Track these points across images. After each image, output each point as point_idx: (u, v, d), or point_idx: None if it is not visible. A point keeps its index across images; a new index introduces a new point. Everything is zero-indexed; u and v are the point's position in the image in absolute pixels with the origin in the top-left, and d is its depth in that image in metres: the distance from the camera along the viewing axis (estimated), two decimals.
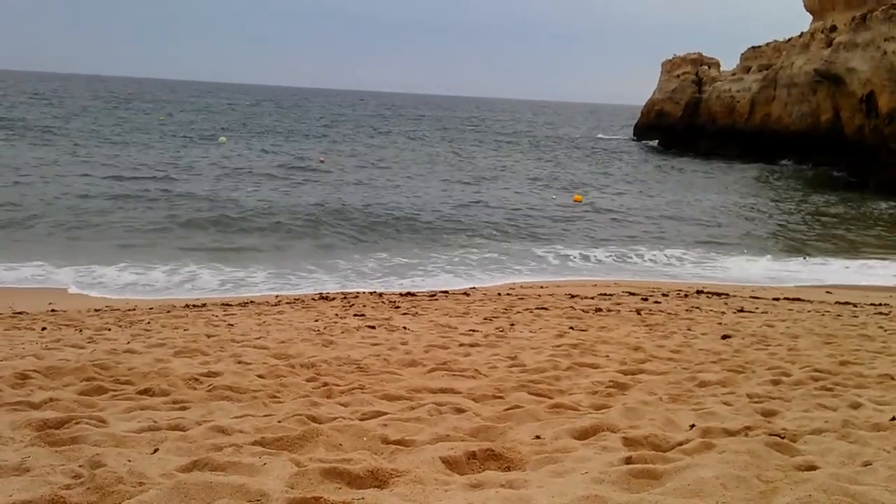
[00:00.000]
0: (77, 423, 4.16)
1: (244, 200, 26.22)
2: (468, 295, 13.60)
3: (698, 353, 7.44)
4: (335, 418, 4.52)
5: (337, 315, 10.29)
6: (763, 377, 6.16)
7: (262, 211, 24.27)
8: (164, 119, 69.64)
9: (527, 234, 23.74)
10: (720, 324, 9.83)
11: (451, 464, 3.60)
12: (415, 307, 11.30)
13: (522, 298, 12.79)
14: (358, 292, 14.08)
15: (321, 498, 3.02)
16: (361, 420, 4.50)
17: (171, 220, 22.10)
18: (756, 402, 5.15)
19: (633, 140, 77.90)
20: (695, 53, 69.77)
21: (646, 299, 12.78)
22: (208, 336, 8.10)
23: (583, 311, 11.02)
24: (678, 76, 68.01)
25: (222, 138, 51.40)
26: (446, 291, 14.39)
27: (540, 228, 24.74)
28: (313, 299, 12.82)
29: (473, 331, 8.78)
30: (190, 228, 21.30)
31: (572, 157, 56.56)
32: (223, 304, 12.16)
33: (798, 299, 13.75)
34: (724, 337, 8.55)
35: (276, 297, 13.69)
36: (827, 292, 15.77)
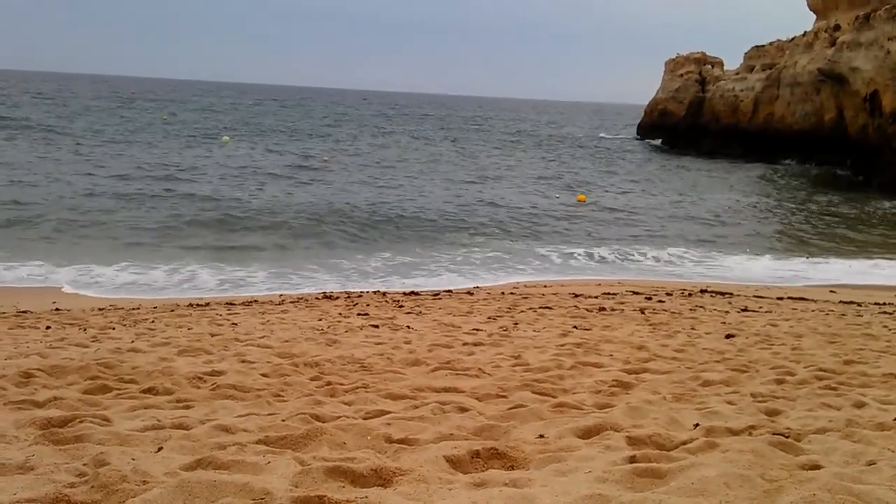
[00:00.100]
0: (81, 422, 4.16)
1: (248, 200, 26.26)
2: (472, 294, 13.61)
3: (702, 353, 7.43)
4: (339, 417, 4.53)
5: (341, 314, 10.29)
6: (767, 376, 6.14)
7: (266, 210, 24.29)
8: (168, 118, 69.73)
9: (530, 233, 23.74)
10: (724, 323, 9.82)
11: (454, 463, 3.60)
12: (418, 306, 11.30)
13: (526, 297, 12.79)
14: (362, 291, 14.09)
15: (325, 496, 3.01)
16: (365, 419, 4.50)
17: (174, 220, 22.14)
18: (760, 402, 5.14)
19: (637, 139, 77.83)
20: (698, 53, 69.65)
21: (649, 298, 12.77)
22: (212, 335, 8.11)
23: (586, 310, 11.01)
24: (682, 75, 67.92)
25: (226, 137, 51.44)
26: (450, 290, 14.39)
27: (543, 227, 24.74)
28: (317, 298, 12.83)
29: (477, 330, 8.78)
30: (193, 227, 21.32)
31: (576, 156, 56.55)
32: (227, 304, 12.17)
33: (802, 298, 13.73)
34: (728, 336, 8.53)
35: (280, 296, 13.71)
36: (831, 291, 15.75)
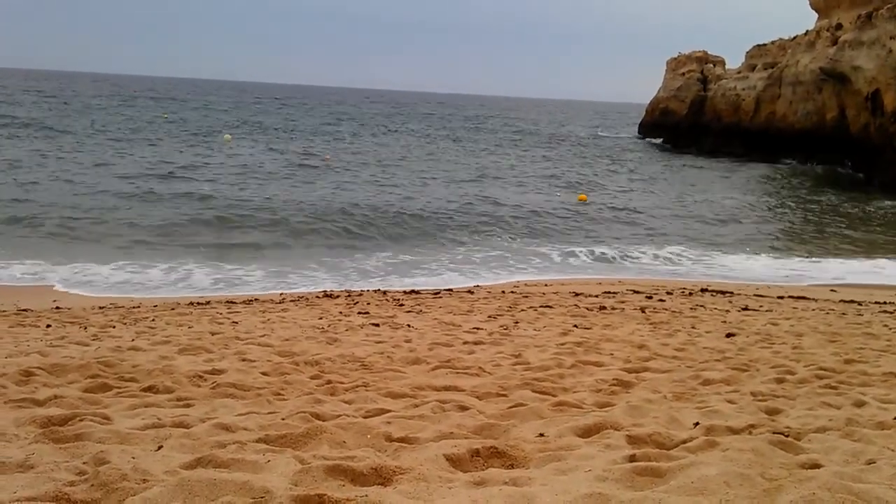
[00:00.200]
0: (81, 420, 4.17)
1: (249, 198, 26.25)
2: (472, 293, 13.61)
3: (702, 352, 7.43)
4: (339, 416, 4.53)
5: (341, 313, 10.29)
6: (767, 375, 6.14)
7: (267, 208, 24.27)
8: (169, 117, 69.73)
9: (531, 231, 23.72)
10: (724, 322, 9.81)
11: (454, 461, 3.60)
12: (419, 305, 11.30)
13: (527, 296, 12.78)
14: (362, 290, 14.09)
15: (325, 495, 3.02)
16: (365, 417, 4.51)
17: (175, 218, 22.13)
18: (760, 401, 5.14)
19: (638, 138, 77.79)
20: (700, 51, 69.59)
21: (650, 297, 12.76)
22: (212, 334, 8.11)
23: (587, 309, 11.01)
24: (683, 74, 67.88)
25: (227, 136, 51.43)
26: (450, 289, 14.39)
27: (544, 226, 24.73)
28: (318, 297, 12.83)
29: (477, 329, 8.78)
30: (194, 226, 21.31)
31: (577, 155, 56.49)
32: (227, 302, 12.18)
33: (803, 297, 13.72)
34: (729, 335, 8.53)
35: (281, 294, 13.71)
36: (832, 290, 15.74)
